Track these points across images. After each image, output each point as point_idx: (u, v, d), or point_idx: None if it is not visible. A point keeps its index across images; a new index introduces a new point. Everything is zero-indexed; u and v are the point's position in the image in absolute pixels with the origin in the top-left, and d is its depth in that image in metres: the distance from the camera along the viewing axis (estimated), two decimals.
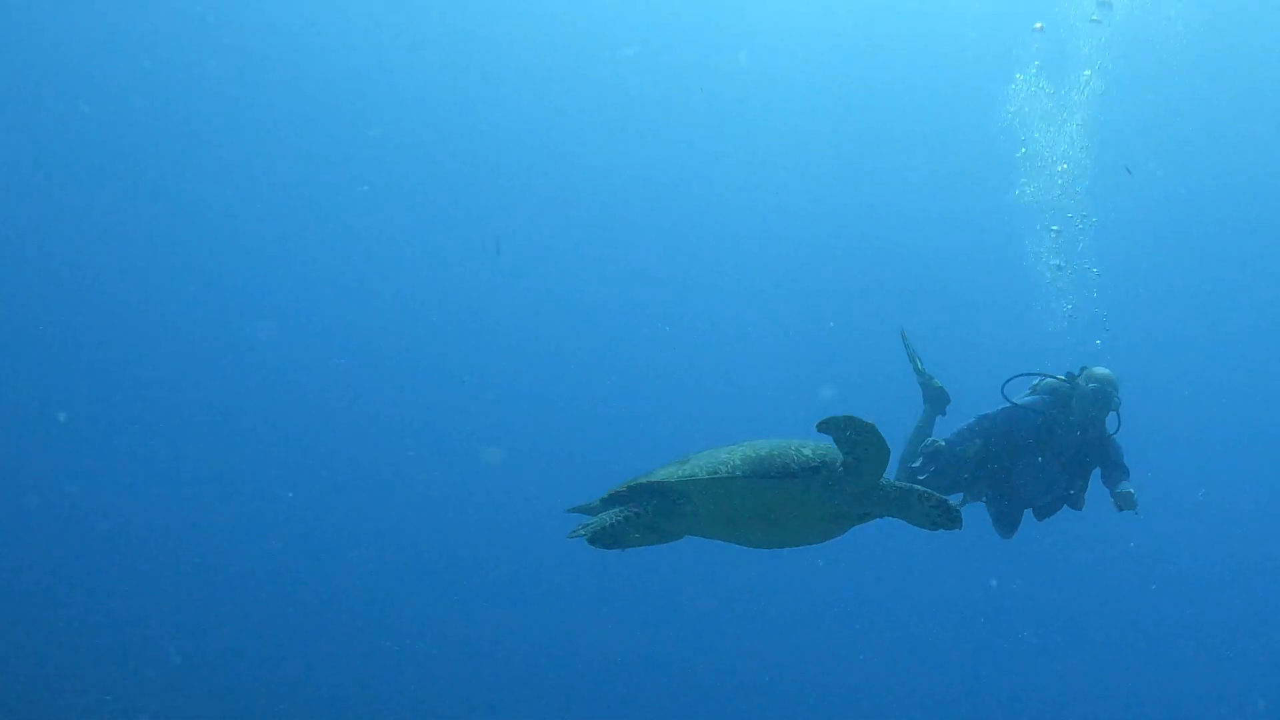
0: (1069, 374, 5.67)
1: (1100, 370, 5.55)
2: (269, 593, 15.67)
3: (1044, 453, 5.55)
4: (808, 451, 3.70)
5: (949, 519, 3.72)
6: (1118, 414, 5.57)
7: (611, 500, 3.98)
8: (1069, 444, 5.56)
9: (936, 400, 6.35)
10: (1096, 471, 5.69)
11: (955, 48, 18.71)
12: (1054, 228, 7.69)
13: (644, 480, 3.88)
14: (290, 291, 21.98)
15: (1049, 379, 5.74)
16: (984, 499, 5.82)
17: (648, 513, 3.82)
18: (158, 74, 19.74)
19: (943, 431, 6.01)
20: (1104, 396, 5.47)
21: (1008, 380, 5.67)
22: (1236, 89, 18.76)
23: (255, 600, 15.24)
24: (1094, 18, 9.59)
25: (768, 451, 3.71)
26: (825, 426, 3.41)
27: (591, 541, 3.76)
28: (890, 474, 5.94)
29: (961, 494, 5.75)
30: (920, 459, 5.79)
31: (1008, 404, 5.63)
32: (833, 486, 3.64)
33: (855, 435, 3.42)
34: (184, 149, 20.25)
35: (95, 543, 16.46)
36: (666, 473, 3.85)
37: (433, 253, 22.54)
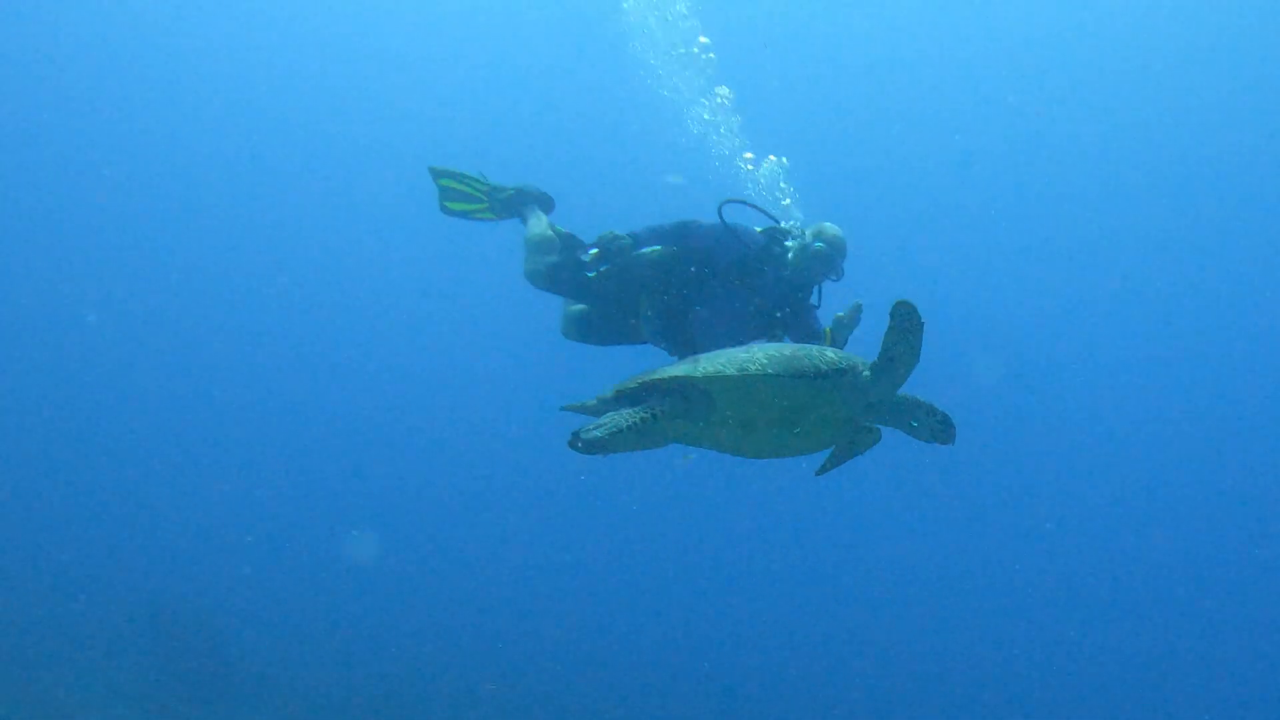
0: (797, 222, 5.18)
1: (832, 229, 4.99)
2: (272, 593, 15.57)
3: (735, 288, 4.99)
4: (831, 355, 3.58)
5: (946, 434, 3.58)
6: (820, 289, 5.06)
7: (619, 399, 3.62)
8: (768, 292, 4.99)
9: (542, 201, 5.82)
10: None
11: None
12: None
13: (659, 376, 3.53)
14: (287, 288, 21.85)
15: (770, 218, 5.22)
16: (645, 314, 5.17)
17: (665, 413, 3.45)
18: None
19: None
20: (827, 260, 4.95)
21: (728, 200, 5.06)
22: None
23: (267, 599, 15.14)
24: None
25: (791, 353, 3.54)
26: (900, 308, 3.27)
27: (591, 448, 3.26)
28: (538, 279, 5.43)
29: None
30: (595, 250, 5.22)
31: (720, 223, 5.03)
32: (856, 390, 3.53)
33: (910, 327, 3.31)
34: None
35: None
36: (684, 369, 3.51)
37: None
